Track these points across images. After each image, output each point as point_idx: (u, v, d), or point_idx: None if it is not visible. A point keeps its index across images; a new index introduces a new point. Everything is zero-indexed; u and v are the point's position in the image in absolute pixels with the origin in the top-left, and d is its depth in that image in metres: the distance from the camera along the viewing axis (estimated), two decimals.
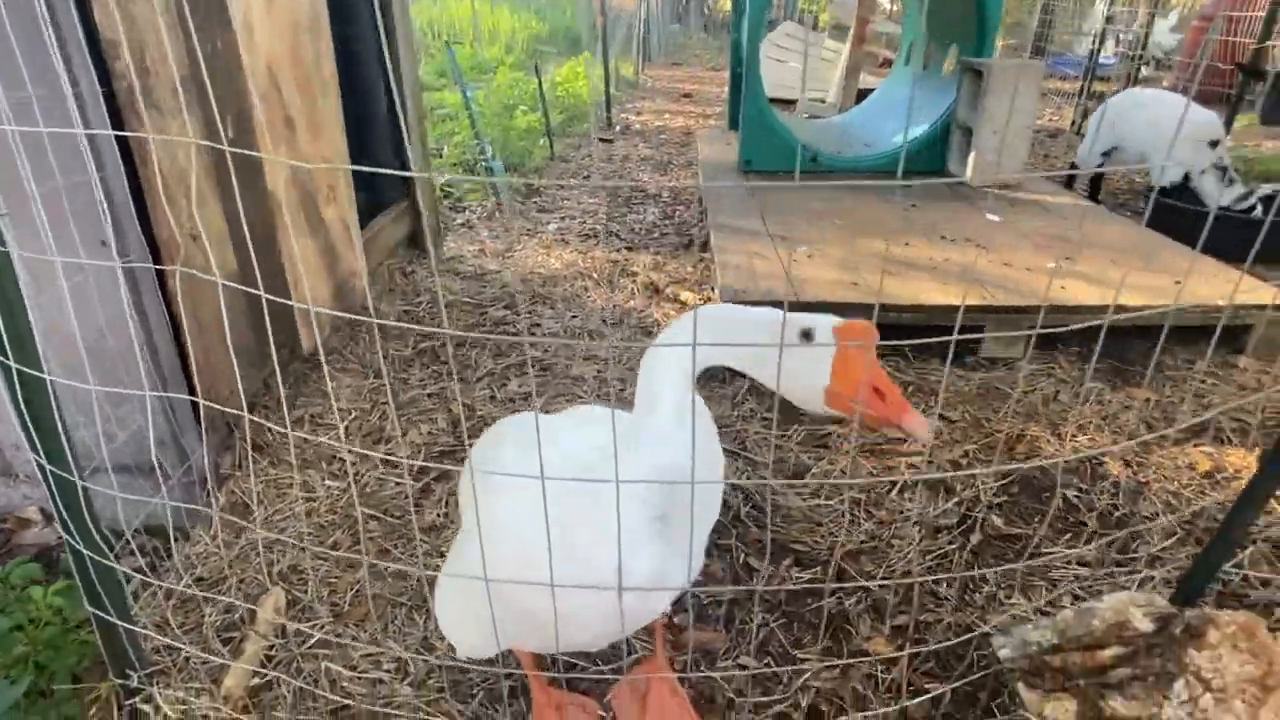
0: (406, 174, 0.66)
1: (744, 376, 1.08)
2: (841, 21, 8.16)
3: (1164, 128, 3.75)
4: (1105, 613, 1.04)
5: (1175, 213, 3.58)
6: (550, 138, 5.79)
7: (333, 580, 1.71)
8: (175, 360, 1.77)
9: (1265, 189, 3.57)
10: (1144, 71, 8.24)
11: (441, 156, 4.89)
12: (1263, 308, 2.48)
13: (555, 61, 9.36)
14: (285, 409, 0.97)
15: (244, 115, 2.00)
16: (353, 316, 0.80)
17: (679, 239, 3.92)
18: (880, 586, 1.64)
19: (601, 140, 6.34)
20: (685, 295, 3.17)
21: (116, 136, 1.57)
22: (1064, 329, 0.88)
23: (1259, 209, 3.49)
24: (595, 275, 3.40)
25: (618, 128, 6.88)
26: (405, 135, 2.04)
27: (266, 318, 0.89)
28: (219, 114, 1.89)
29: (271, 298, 0.86)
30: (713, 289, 3.15)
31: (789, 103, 7.05)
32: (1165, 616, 1.03)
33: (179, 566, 1.70)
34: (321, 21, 2.44)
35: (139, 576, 1.54)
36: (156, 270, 1.68)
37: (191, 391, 1.82)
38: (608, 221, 4.23)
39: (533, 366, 2.60)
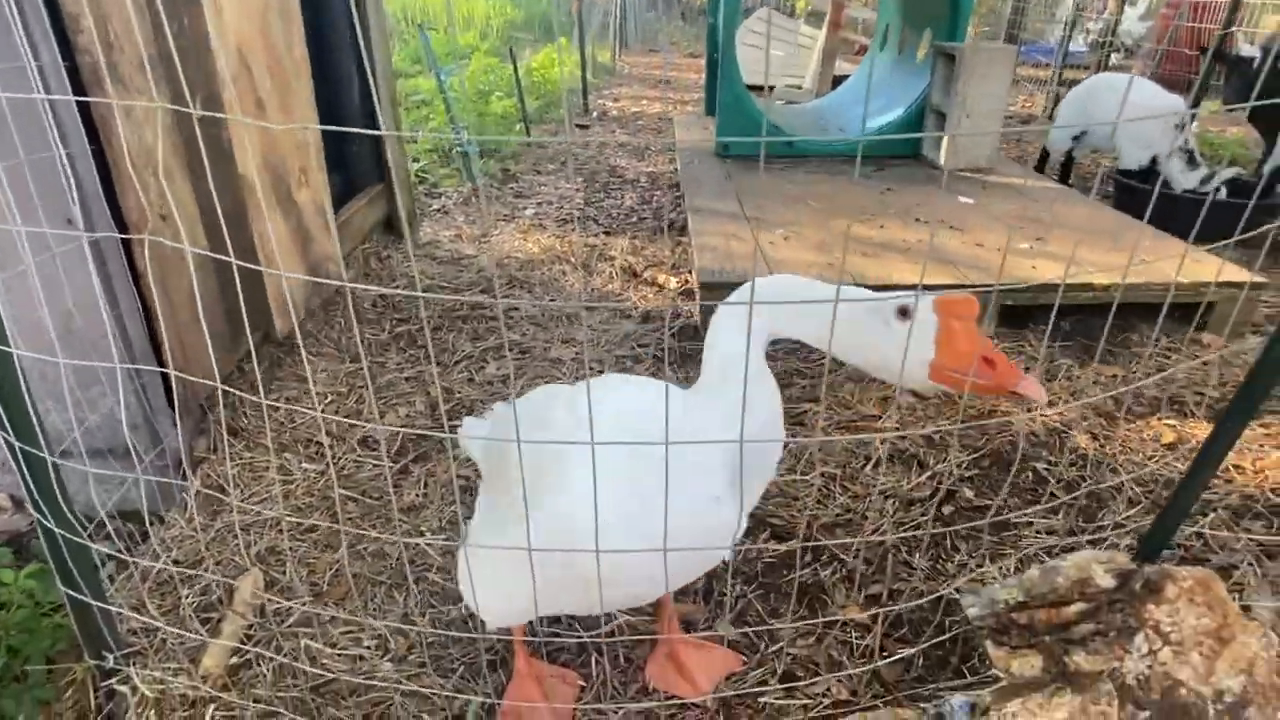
0: (377, 133, 0.66)
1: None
2: (818, 8, 8.18)
3: (1130, 111, 3.82)
4: (1069, 570, 1.07)
5: (1142, 194, 3.66)
6: (526, 124, 5.76)
7: (311, 560, 1.71)
8: (146, 343, 1.75)
9: (1229, 172, 3.65)
10: (1114, 59, 8.37)
11: (416, 143, 4.84)
12: (1235, 285, 2.54)
13: (531, 48, 9.29)
14: (259, 380, 0.97)
15: (214, 97, 1.97)
16: (326, 281, 0.81)
17: (656, 223, 3.93)
18: (854, 556, 1.67)
19: (578, 126, 6.32)
20: (662, 278, 3.18)
21: (83, 115, 1.55)
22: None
23: (1223, 191, 3.57)
24: (572, 259, 3.39)
25: (595, 114, 6.86)
26: (379, 119, 2.02)
27: (240, 291, 0.89)
28: (188, 93, 1.86)
29: (242, 263, 0.86)
30: (690, 272, 3.16)
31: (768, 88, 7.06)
32: (1125, 573, 1.07)
33: (155, 549, 1.69)
34: (292, 4, 2.40)
35: (114, 559, 1.53)
36: (125, 250, 1.66)
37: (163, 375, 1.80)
38: (585, 206, 4.23)
39: (510, 350, 2.60)
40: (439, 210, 4.10)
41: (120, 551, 1.58)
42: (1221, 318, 2.59)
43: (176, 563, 1.68)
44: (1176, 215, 3.27)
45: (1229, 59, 3.68)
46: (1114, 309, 1.14)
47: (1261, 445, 2.06)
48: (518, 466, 0.99)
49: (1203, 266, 2.66)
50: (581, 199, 4.36)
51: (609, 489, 0.93)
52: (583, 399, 0.94)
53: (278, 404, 1.26)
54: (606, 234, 3.77)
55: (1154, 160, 3.76)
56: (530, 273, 3.24)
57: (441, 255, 3.40)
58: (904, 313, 0.91)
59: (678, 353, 2.60)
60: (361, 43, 1.66)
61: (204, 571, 1.64)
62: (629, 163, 5.27)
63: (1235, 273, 2.61)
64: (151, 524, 1.77)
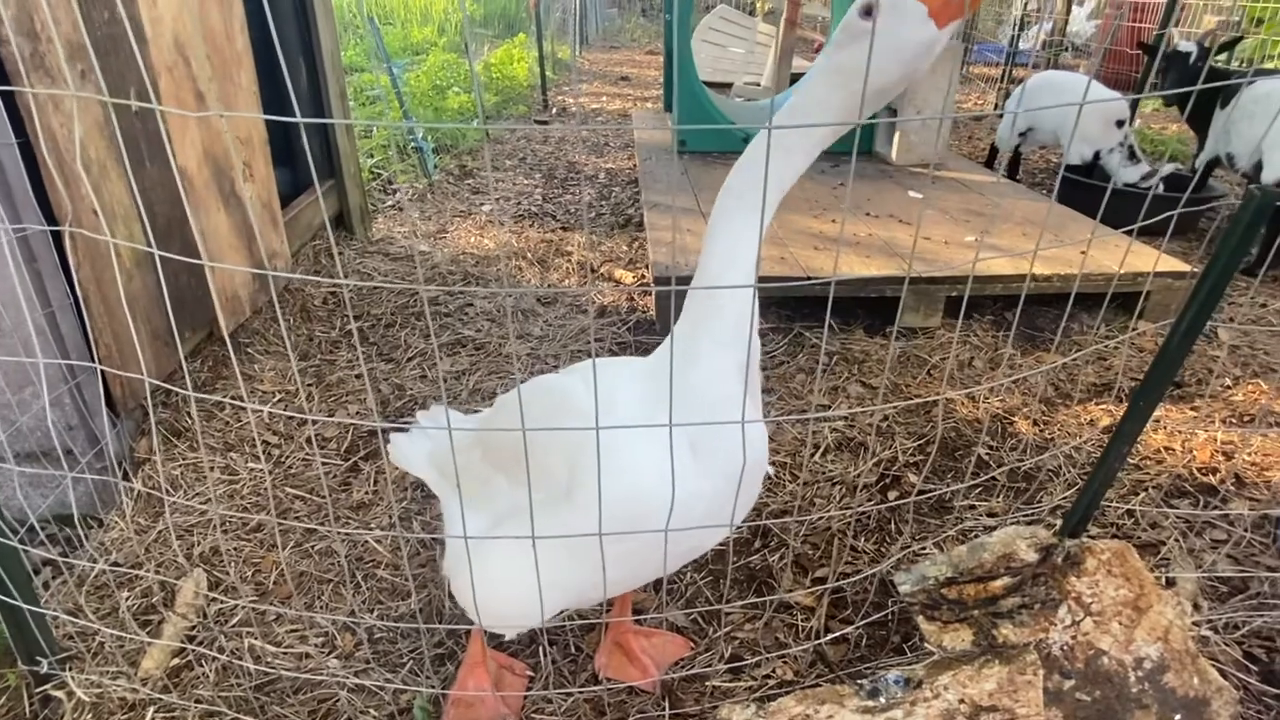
0: (320, 121, 0.66)
1: None
2: (776, 6, 8.25)
3: (1073, 110, 3.94)
4: (994, 546, 1.11)
5: (1084, 188, 3.77)
6: (484, 118, 5.71)
7: (256, 560, 1.68)
8: (80, 342, 1.71)
9: (1168, 167, 3.78)
10: (1065, 58, 8.61)
11: (370, 137, 4.78)
12: (1172, 275, 2.64)
13: (490, 44, 9.21)
14: (194, 378, 0.95)
15: (150, 88, 1.92)
16: (258, 271, 0.80)
17: (615, 218, 3.93)
18: (799, 539, 1.70)
19: (537, 122, 6.29)
20: (620, 273, 3.19)
21: (8, 106, 1.50)
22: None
23: (1161, 186, 3.71)
24: (530, 255, 3.39)
25: (554, 110, 6.83)
26: (326, 112, 2.00)
27: (181, 287, 0.88)
28: (121, 86, 1.82)
29: (166, 254, 0.85)
30: (646, 267, 3.18)
31: (726, 85, 7.11)
32: (1047, 547, 1.11)
33: (92, 552, 1.65)
34: None
35: (52, 563, 1.49)
36: (57, 246, 1.61)
37: (100, 375, 1.76)
38: (543, 202, 4.22)
39: (465, 345, 2.59)
40: (393, 206, 4.06)
41: (56, 555, 1.54)
42: (1159, 306, 2.69)
43: (116, 565, 1.64)
44: (1117, 208, 3.39)
45: (1165, 54, 3.81)
46: (1070, 299, 1.18)
47: (1191, 428, 2.15)
48: (552, 455, 1.03)
49: (1141, 258, 2.76)
50: (540, 194, 4.34)
51: (659, 456, 0.95)
52: (594, 382, 0.95)
53: (211, 397, 1.23)
54: (564, 229, 3.76)
55: (1096, 155, 3.88)
56: (486, 268, 3.22)
57: (395, 252, 3.36)
58: (867, 10, 0.85)
59: (634, 347, 2.62)
60: (309, 34, 1.64)
61: (144, 573, 1.60)
62: (588, 158, 5.27)
63: (1170, 263, 2.72)
64: (90, 527, 1.73)
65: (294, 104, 0.91)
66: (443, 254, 3.36)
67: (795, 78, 6.25)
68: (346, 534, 1.67)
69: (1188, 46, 3.74)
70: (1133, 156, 3.81)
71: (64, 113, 1.60)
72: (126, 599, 1.55)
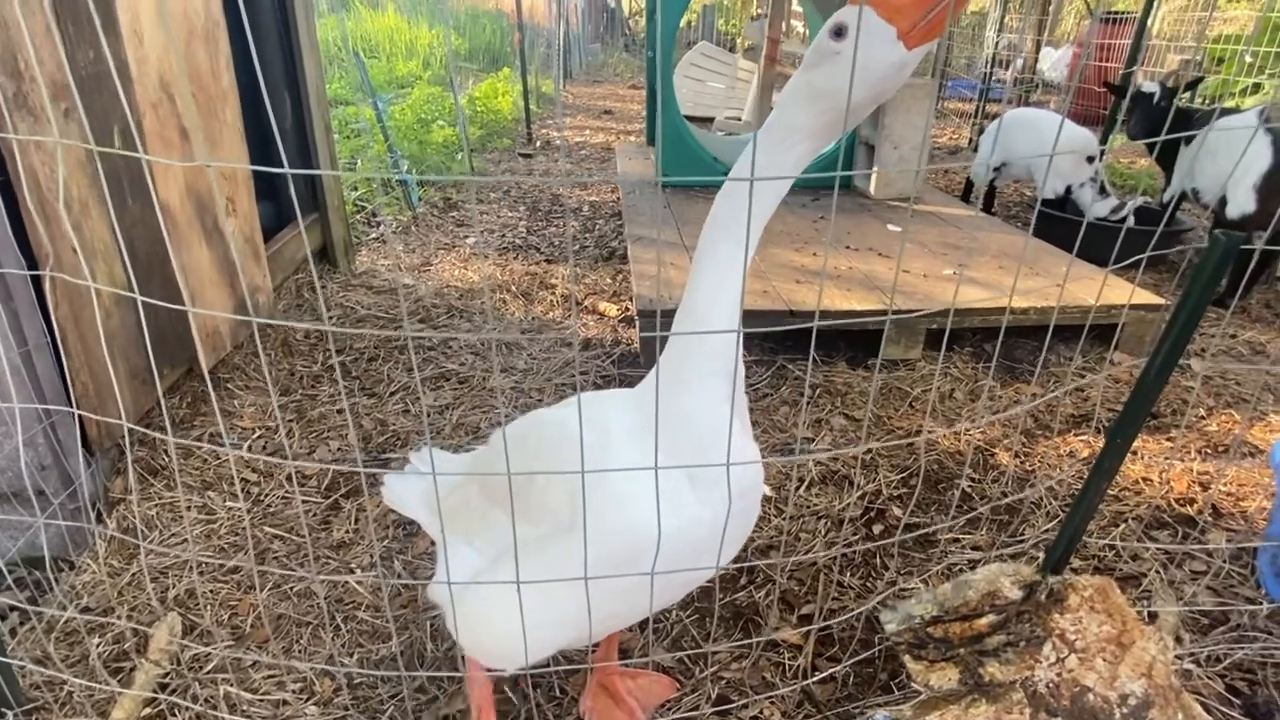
0: (309, 172, 0.67)
1: None
2: (756, 43, 8.44)
3: (1046, 145, 4.05)
4: (979, 583, 1.12)
5: (1058, 222, 3.86)
6: (468, 152, 5.76)
7: (233, 603, 1.64)
8: (57, 380, 1.68)
9: (1137, 201, 3.89)
10: (1034, 94, 8.86)
11: (354, 169, 4.79)
12: (1146, 307, 2.70)
13: (475, 78, 9.32)
14: (169, 417, 0.94)
15: (135, 126, 1.93)
16: (235, 318, 0.80)
17: (598, 251, 3.96)
18: (785, 575, 1.70)
19: (522, 155, 6.35)
20: (604, 306, 3.21)
21: None
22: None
23: (1132, 218, 3.80)
24: (514, 288, 3.39)
25: (538, 143, 6.90)
26: (310, 147, 2.01)
27: (160, 324, 0.87)
28: (105, 124, 1.82)
29: (148, 300, 0.84)
30: (630, 299, 3.20)
31: (708, 120, 7.24)
32: (1031, 584, 1.12)
33: (62, 597, 1.61)
34: (219, 31, 2.37)
35: (18, 610, 1.44)
36: (35, 285, 1.59)
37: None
38: (528, 235, 4.24)
39: (448, 379, 2.58)
40: (377, 239, 4.06)
41: (23, 603, 1.50)
42: (1133, 338, 2.74)
43: (86, 610, 1.59)
44: (1090, 240, 3.47)
45: (1131, 95, 3.94)
46: (1049, 330, 1.20)
47: (1168, 459, 2.18)
48: (554, 488, 1.01)
49: (1116, 291, 2.82)
50: (524, 227, 4.37)
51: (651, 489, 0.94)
52: (594, 416, 0.94)
53: (185, 440, 1.22)
54: (549, 262, 3.78)
55: (1068, 190, 3.98)
56: (470, 302, 3.22)
57: (379, 285, 3.36)
58: (838, 31, 0.86)
59: (618, 380, 2.62)
60: (295, 69, 1.65)
61: (116, 619, 1.56)
62: (572, 191, 5.32)
63: (1144, 295, 2.78)
64: (61, 570, 1.68)
65: (280, 152, 0.92)
66: (427, 287, 3.36)
67: None
68: (326, 578, 1.64)
69: (1151, 87, 3.86)
70: (1103, 191, 3.91)
71: (46, 151, 1.59)
72: (97, 645, 1.51)
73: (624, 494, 0.96)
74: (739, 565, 1.76)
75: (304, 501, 1.96)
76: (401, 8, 11.06)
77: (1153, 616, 1.55)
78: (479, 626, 1.10)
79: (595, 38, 16.02)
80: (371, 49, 9.94)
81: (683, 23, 8.28)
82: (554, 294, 3.35)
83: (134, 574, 1.69)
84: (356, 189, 4.59)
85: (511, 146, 6.69)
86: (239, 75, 2.51)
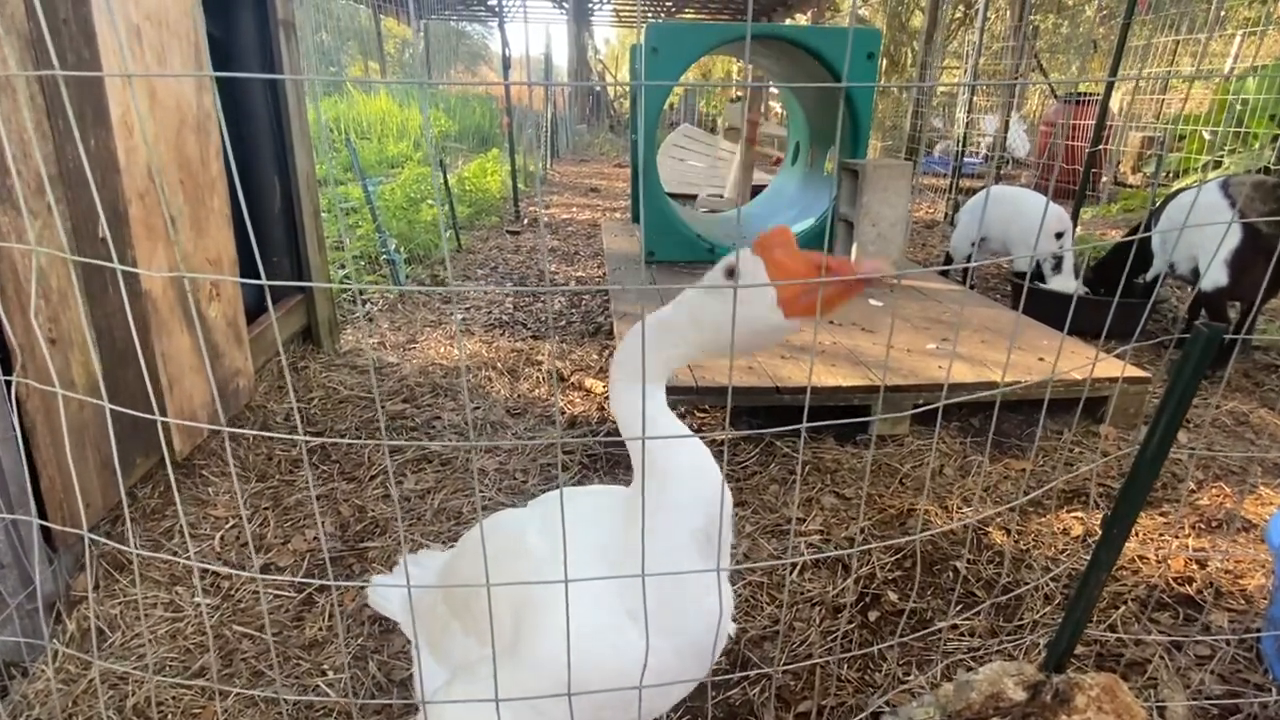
0: (302, 284, 0.65)
1: None
2: (735, 124, 8.76)
3: (1020, 221, 4.18)
4: (981, 685, 1.07)
5: (1036, 294, 3.94)
6: (456, 230, 5.85)
7: (196, 711, 1.55)
8: (22, 472, 1.62)
9: (1081, 288, 3.99)
10: (1005, 169, 9.20)
11: (343, 249, 4.84)
12: (1135, 381, 2.72)
13: (464, 158, 9.57)
14: (128, 519, 0.90)
15: (120, 214, 1.93)
16: (203, 426, 0.77)
17: (585, 326, 3.98)
18: (780, 670, 1.62)
19: (509, 232, 6.45)
20: (590, 382, 3.19)
21: None
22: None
23: (1083, 290, 3.91)
24: (500, 365, 3.38)
25: (525, 220, 7.03)
26: (299, 229, 2.02)
27: (111, 429, 0.84)
28: (90, 214, 1.82)
29: (117, 408, 0.82)
30: None
31: (690, 197, 7.42)
32: (1035, 684, 1.07)
33: (11, 709, 1.50)
34: (211, 121, 2.42)
35: None
36: (5, 373, 1.56)
37: (41, 505, 1.67)
38: (514, 310, 4.26)
39: (430, 461, 2.53)
40: (363, 317, 4.06)
41: None
42: (1119, 410, 2.75)
43: None
44: (1059, 314, 3.53)
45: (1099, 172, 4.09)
46: (1044, 405, 1.19)
47: (1162, 535, 2.15)
48: (500, 603, 0.96)
49: (1103, 365, 2.84)
50: (511, 303, 4.39)
51: (602, 620, 0.91)
52: (551, 524, 0.89)
53: (146, 551, 1.17)
54: (535, 338, 3.79)
55: (1039, 264, 4.08)
56: (455, 380, 3.20)
57: (362, 364, 3.33)
58: (730, 272, 0.90)
59: (604, 458, 2.58)
60: (285, 154, 1.67)
61: None
62: (559, 266, 5.38)
63: (1131, 370, 2.80)
64: (12, 677, 1.59)
65: (267, 262, 0.91)
66: (411, 365, 3.34)
67: (757, 189, 6.55)
68: (293, 697, 1.55)
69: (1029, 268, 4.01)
70: (1057, 268, 4.02)
71: (25, 243, 1.59)
72: None
73: (559, 626, 0.90)
74: (732, 655, 1.69)
75: (276, 595, 1.87)
76: (394, 92, 11.43)
77: (1161, 710, 1.49)
78: None
79: (582, 119, 16.60)
80: (363, 130, 10.21)
81: (665, 105, 8.61)
82: (540, 370, 3.33)
83: (90, 680, 1.60)
84: (344, 267, 4.62)
85: (499, 224, 6.81)
86: (229, 162, 2.55)
